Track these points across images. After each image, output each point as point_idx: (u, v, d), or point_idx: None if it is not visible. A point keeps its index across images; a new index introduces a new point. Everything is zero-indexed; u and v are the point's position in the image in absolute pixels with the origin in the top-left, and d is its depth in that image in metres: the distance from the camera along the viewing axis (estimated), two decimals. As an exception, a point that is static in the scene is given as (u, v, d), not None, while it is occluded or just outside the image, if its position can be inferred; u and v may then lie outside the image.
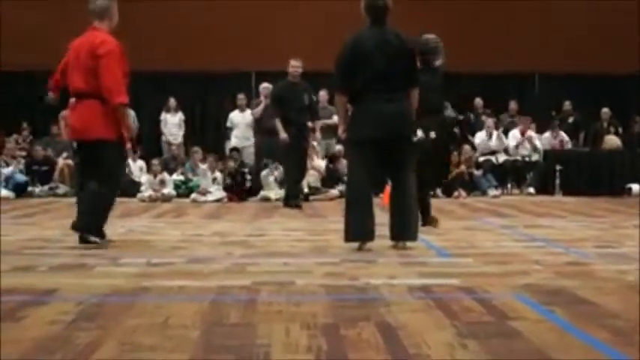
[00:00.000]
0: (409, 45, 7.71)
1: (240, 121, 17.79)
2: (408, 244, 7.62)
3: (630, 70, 21.26)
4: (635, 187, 16.59)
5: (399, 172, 7.65)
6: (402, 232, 7.61)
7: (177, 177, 15.94)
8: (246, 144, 17.36)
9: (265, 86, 16.71)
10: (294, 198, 13.15)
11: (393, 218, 7.65)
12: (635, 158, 17.74)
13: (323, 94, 17.30)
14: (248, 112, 17.73)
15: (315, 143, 16.23)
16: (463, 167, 16.76)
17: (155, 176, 15.69)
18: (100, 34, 7.68)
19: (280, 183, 15.15)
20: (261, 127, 16.35)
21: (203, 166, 15.67)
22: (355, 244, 7.52)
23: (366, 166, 7.52)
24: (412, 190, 7.66)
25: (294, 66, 13.17)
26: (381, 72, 7.44)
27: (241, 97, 17.99)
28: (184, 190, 15.65)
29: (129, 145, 8.61)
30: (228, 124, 18.04)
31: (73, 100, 7.88)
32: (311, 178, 15.52)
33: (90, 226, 7.64)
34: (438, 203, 13.86)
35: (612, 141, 18.43)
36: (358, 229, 7.48)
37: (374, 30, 7.57)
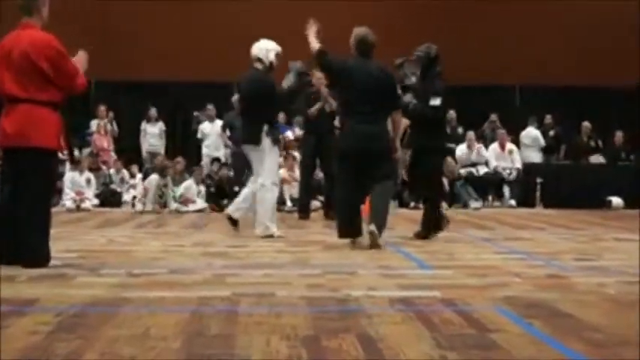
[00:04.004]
0: (390, 76, 9.02)
1: (211, 131, 17.83)
2: (388, 251, 8.04)
3: (611, 84, 21.42)
4: (615, 199, 16.70)
5: (374, 183, 8.76)
6: (373, 220, 8.65)
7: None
8: (217, 154, 17.39)
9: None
10: (301, 209, 13.28)
11: (369, 214, 8.79)
12: (614, 171, 17.87)
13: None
14: (218, 122, 17.79)
15: (296, 154, 16.24)
16: (444, 179, 16.78)
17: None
18: (39, 34, 6.91)
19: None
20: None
21: (189, 180, 15.59)
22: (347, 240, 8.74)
23: (349, 174, 8.78)
24: (382, 200, 8.87)
25: (317, 77, 12.95)
26: (361, 96, 8.69)
27: (210, 108, 18.06)
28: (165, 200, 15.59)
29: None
30: (199, 135, 18.08)
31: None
32: (293, 190, 15.53)
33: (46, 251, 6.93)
34: (417, 215, 13.89)
35: (596, 159, 18.69)
36: (348, 227, 8.77)
37: (360, 61, 8.86)
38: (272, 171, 9.94)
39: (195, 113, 19.30)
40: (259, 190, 9.88)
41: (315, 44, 9.07)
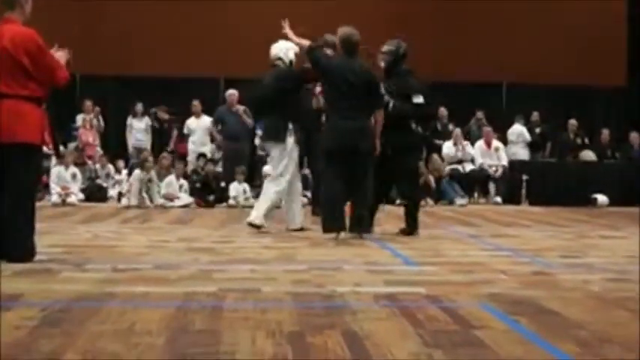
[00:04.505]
0: (374, 75, 9.27)
1: (196, 127, 17.79)
2: (369, 244, 8.30)
3: (598, 83, 21.51)
4: (600, 197, 16.74)
5: (356, 179, 9.05)
6: (358, 227, 9.09)
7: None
8: (203, 149, 17.36)
9: (231, 92, 16.70)
10: None
11: (351, 215, 9.15)
12: (600, 169, 17.92)
13: None
14: (204, 117, 17.76)
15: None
16: (430, 176, 16.82)
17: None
18: (19, 29, 6.85)
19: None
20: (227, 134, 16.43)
21: (171, 175, 15.52)
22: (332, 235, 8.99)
23: (335, 170, 9.04)
24: (366, 194, 9.15)
25: None
26: (344, 94, 8.99)
27: (196, 104, 17.99)
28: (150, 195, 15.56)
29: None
30: (185, 130, 18.03)
31: None
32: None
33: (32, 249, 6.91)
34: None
35: (587, 156, 18.69)
36: (333, 222, 8.99)
37: (345, 60, 9.18)
38: (291, 169, 9.96)
39: (152, 110, 19.21)
40: (273, 180, 9.94)
41: (303, 41, 9.42)
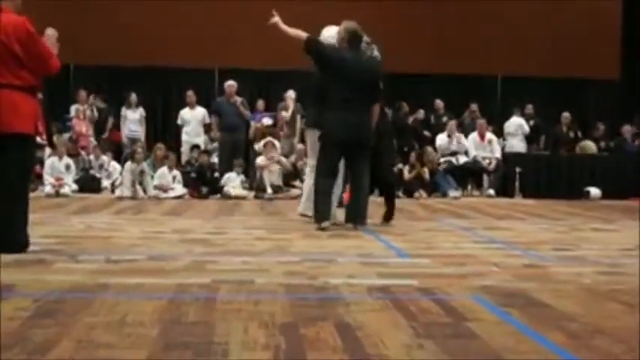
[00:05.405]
0: (377, 69, 9.42)
1: (191, 118, 17.78)
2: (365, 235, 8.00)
3: (592, 76, 21.55)
4: (593, 190, 16.78)
5: (357, 171, 9.31)
6: (356, 218, 9.31)
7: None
8: (197, 140, 17.36)
9: (230, 84, 16.71)
10: None
11: (349, 206, 9.52)
12: (593, 162, 17.94)
13: (291, 93, 17.28)
14: (198, 109, 17.77)
15: (276, 141, 16.27)
16: (424, 168, 16.84)
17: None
18: (10, 17, 6.80)
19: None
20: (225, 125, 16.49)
21: (163, 167, 15.47)
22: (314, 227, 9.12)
23: (332, 163, 9.25)
24: (366, 186, 9.40)
25: None
26: (350, 85, 9.10)
27: (190, 94, 17.99)
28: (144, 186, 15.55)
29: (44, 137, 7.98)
30: (179, 121, 18.03)
31: None
32: (273, 177, 15.54)
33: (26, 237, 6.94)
34: (398, 204, 13.89)
35: (589, 147, 18.68)
36: (326, 214, 9.14)
37: (352, 52, 9.26)
38: None
39: (91, 98, 19.08)
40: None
41: (299, 32, 9.40)
